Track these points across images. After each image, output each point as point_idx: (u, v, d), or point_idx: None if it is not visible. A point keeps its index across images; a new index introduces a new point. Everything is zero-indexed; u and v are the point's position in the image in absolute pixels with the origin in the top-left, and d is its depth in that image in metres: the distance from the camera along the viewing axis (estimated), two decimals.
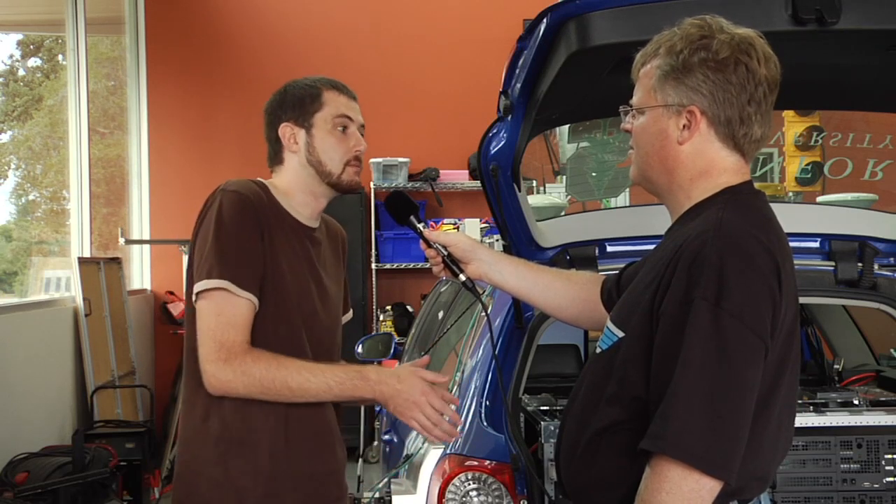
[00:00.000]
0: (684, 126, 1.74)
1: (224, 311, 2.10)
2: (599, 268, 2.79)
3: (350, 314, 2.50)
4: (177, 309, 7.04)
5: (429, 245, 2.15)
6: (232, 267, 2.10)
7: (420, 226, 2.17)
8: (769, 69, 1.72)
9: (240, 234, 2.13)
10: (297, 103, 2.27)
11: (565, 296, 2.14)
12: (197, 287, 2.13)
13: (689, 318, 1.60)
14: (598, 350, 1.85)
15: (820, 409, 2.74)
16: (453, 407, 2.15)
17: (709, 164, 1.76)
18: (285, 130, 2.27)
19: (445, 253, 2.13)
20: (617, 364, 1.74)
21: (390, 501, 2.56)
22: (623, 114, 1.86)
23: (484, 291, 3.10)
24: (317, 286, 2.28)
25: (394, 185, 7.31)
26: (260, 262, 2.15)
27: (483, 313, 2.32)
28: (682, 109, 1.74)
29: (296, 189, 2.28)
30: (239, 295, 2.10)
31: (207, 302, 2.11)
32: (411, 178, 7.40)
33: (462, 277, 2.12)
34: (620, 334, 1.76)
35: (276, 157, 2.31)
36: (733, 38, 1.71)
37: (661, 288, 1.68)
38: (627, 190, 6.00)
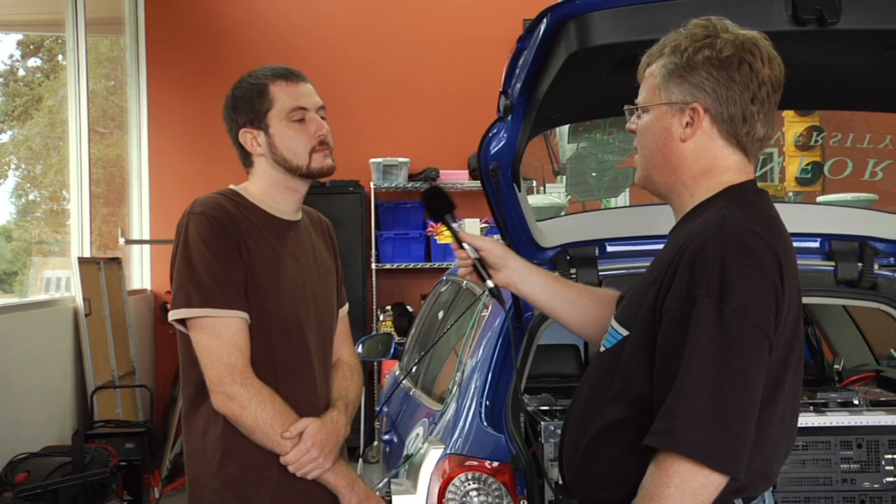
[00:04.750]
0: (687, 123, 1.76)
1: (222, 334, 2.12)
2: (599, 268, 2.78)
3: (346, 307, 2.50)
4: None
5: (460, 245, 2.11)
6: (211, 293, 2.11)
7: (455, 225, 2.13)
8: (773, 69, 1.73)
9: (213, 255, 2.13)
10: (248, 105, 2.25)
11: (591, 313, 2.11)
12: (179, 314, 2.14)
13: (692, 315, 1.61)
14: (603, 348, 1.85)
15: (820, 409, 2.73)
16: None
17: (712, 162, 1.77)
18: (245, 136, 2.26)
19: (477, 256, 2.09)
20: (621, 362, 1.75)
21: (390, 501, 2.56)
22: (628, 113, 1.87)
23: (484, 292, 3.10)
24: (307, 279, 2.29)
25: (394, 185, 7.30)
26: (241, 276, 2.15)
27: (509, 324, 2.27)
28: (685, 107, 1.75)
29: (272, 188, 2.28)
30: (226, 316, 2.11)
31: (200, 330, 2.13)
32: (411, 178, 7.39)
33: (490, 284, 2.09)
34: (625, 333, 1.77)
35: (246, 161, 2.31)
36: (737, 37, 1.72)
37: (663, 286, 1.69)
38: (627, 190, 6.00)
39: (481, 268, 2.08)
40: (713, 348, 1.59)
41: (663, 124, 1.78)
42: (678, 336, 1.63)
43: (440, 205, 2.15)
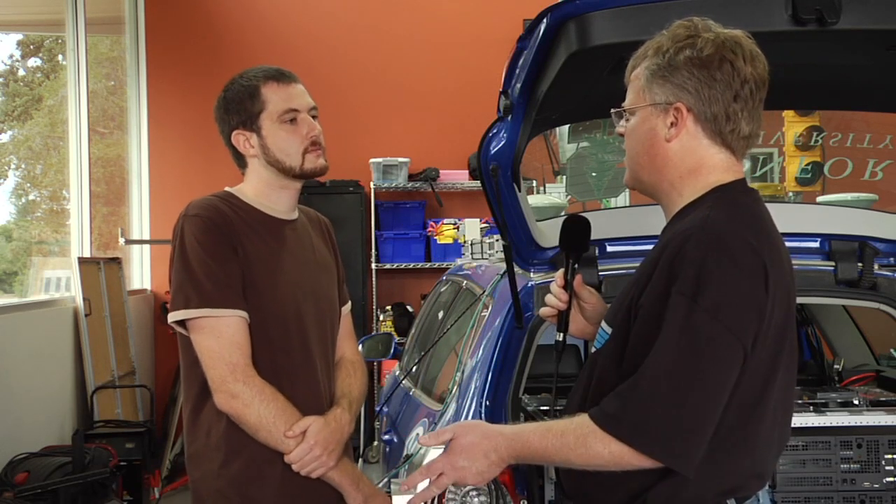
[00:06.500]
0: (672, 124, 1.76)
1: (222, 333, 2.12)
2: (599, 268, 2.78)
3: (349, 305, 2.50)
4: None
5: (564, 288, 2.06)
6: (208, 293, 2.12)
7: (576, 267, 2.07)
8: (755, 67, 1.73)
9: (210, 256, 2.13)
10: (240, 107, 2.25)
11: None
12: (178, 316, 2.14)
13: (665, 312, 1.62)
14: (593, 349, 1.86)
15: (820, 409, 2.73)
16: None
17: (698, 161, 1.78)
18: (238, 138, 2.27)
19: (568, 308, 2.05)
20: (601, 360, 1.77)
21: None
22: (616, 117, 1.88)
23: (484, 291, 3.10)
24: (306, 276, 2.29)
25: (394, 185, 7.30)
26: (239, 275, 2.15)
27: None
28: (668, 107, 1.76)
29: (266, 188, 2.29)
30: (225, 315, 2.11)
31: (200, 331, 2.13)
32: (411, 178, 7.39)
33: (560, 337, 2.07)
34: (610, 331, 1.78)
35: (239, 161, 2.32)
36: (718, 36, 1.73)
37: (642, 284, 1.69)
38: (627, 190, 6.00)
39: (566, 318, 2.06)
40: (679, 346, 1.59)
41: (648, 125, 1.79)
42: (650, 331, 1.63)
43: (579, 241, 2.11)
